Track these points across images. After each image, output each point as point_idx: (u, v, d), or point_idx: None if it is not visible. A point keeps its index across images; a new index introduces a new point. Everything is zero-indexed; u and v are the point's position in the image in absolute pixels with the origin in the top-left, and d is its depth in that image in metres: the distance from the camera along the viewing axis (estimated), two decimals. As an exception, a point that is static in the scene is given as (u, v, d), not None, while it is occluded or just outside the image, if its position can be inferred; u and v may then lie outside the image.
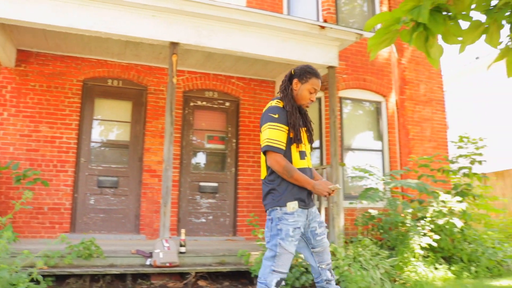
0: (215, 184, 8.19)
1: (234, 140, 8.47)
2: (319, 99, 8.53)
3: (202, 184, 8.11)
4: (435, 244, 6.66)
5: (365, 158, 8.53)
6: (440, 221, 6.89)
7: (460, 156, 8.23)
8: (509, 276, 7.01)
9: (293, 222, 2.97)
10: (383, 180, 7.63)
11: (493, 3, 3.25)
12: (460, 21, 3.07)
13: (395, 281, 5.96)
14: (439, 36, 3.03)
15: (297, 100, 3.19)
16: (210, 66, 8.20)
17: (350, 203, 7.87)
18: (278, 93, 3.29)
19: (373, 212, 7.23)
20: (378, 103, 8.98)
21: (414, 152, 9.33)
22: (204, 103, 8.44)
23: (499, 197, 9.62)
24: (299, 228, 3.00)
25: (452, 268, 6.72)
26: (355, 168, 7.85)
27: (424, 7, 2.67)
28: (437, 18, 2.84)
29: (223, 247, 6.48)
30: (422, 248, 6.64)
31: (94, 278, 5.32)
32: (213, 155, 8.39)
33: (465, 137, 8.13)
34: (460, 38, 3.06)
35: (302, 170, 3.08)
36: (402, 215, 6.92)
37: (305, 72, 3.21)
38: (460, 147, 8.24)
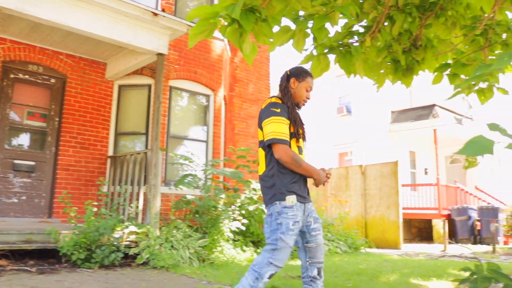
0: (32, 163, 7.76)
1: (57, 119, 8.10)
2: (149, 86, 8.62)
3: (17, 162, 7.62)
4: (243, 228, 7.27)
5: (191, 147, 8.82)
6: (251, 208, 7.54)
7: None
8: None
9: (292, 215, 3.03)
10: (204, 167, 8.05)
11: (301, 13, 3.79)
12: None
13: (203, 260, 6.38)
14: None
15: (294, 98, 3.34)
16: (36, 38, 7.75)
17: (170, 188, 8.11)
18: (271, 98, 3.37)
19: (190, 198, 7.59)
20: (207, 96, 9.35)
21: (238, 146, 9.95)
22: (26, 76, 7.94)
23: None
24: (298, 222, 3.06)
25: (258, 250, 7.41)
26: (175, 154, 8.12)
27: (238, 5, 3.00)
28: (249, 17, 3.18)
29: (33, 227, 6.21)
30: (233, 232, 7.19)
31: None
32: (33, 133, 7.92)
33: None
34: (271, 40, 3.51)
35: None
36: (215, 200, 7.40)
37: (302, 72, 3.41)
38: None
